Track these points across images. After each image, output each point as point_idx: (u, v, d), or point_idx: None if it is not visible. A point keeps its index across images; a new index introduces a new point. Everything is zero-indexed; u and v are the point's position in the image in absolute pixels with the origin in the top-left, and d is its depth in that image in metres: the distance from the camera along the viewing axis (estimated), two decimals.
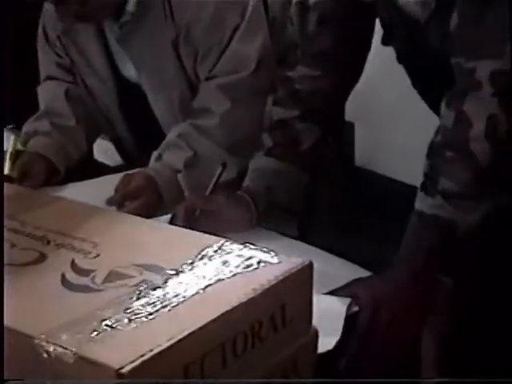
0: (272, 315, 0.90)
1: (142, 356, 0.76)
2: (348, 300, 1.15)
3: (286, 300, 0.91)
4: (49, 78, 1.83)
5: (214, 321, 0.82)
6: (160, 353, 0.77)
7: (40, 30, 1.81)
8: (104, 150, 2.06)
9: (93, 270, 0.93)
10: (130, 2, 1.61)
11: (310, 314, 0.96)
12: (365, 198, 2.34)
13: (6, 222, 1.06)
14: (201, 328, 0.81)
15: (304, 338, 0.95)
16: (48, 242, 1.01)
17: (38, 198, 1.25)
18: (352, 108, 1.63)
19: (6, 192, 1.13)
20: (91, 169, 1.80)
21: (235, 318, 0.84)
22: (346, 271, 1.26)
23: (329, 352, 1.03)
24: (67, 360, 0.77)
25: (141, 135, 1.84)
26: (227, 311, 0.83)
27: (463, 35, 1.16)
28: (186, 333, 0.80)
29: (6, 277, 0.93)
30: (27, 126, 1.75)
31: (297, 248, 1.34)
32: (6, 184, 1.23)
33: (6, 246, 1.00)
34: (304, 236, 1.45)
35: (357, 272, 1.25)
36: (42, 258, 0.98)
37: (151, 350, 0.77)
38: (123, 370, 0.74)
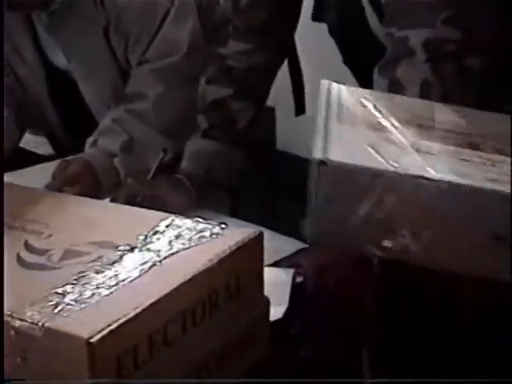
0: (227, 284, 0.93)
1: (110, 325, 0.78)
2: (292, 270, 1.18)
3: (240, 269, 0.94)
4: None
5: (175, 289, 0.84)
6: (126, 322, 0.79)
7: None
8: (27, 142, 2.05)
9: (48, 250, 0.94)
10: None
11: (262, 284, 0.99)
12: (286, 181, 2.36)
13: None
14: (163, 297, 0.83)
15: (258, 306, 0.98)
16: None
17: None
18: (272, 92, 1.65)
19: None
20: (21, 159, 1.79)
21: (194, 287, 0.87)
22: (286, 244, 1.29)
23: (280, 320, 1.06)
24: (36, 334, 0.79)
25: (72, 123, 1.84)
26: (187, 280, 0.86)
27: (395, 5, 1.19)
28: (149, 302, 0.82)
29: None
30: None
31: (236, 224, 1.36)
32: None
33: None
34: (235, 214, 1.48)
35: (296, 245, 1.28)
36: None
37: (117, 320, 0.79)
38: (92, 340, 0.76)
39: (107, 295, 0.84)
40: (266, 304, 1.00)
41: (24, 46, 1.73)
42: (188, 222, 0.99)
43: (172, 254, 0.92)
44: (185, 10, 1.65)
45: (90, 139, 1.63)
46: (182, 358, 0.87)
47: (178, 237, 0.96)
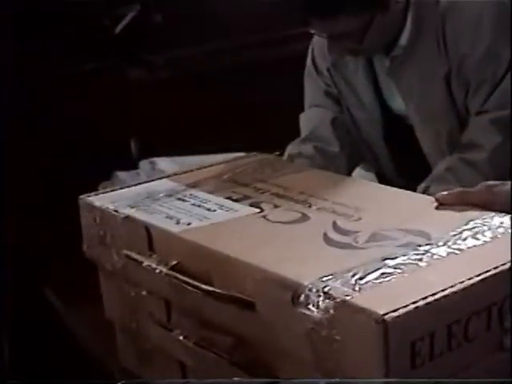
0: None
1: (406, 306, 0.74)
2: None
3: None
4: (315, 105, 1.86)
5: (483, 280, 0.79)
6: (424, 306, 0.75)
7: (309, 61, 1.84)
8: None
9: (355, 232, 0.93)
10: (403, 36, 1.61)
11: None
12: None
13: (261, 185, 1.10)
14: (469, 286, 0.78)
15: None
16: (310, 206, 1.03)
17: (285, 165, 1.30)
18: None
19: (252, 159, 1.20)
20: None
21: (504, 280, 0.81)
22: None
23: None
24: (331, 308, 0.77)
25: (403, 166, 1.83)
26: (497, 272, 0.80)
27: None
28: (452, 290, 0.77)
29: (270, 231, 0.95)
30: (292, 148, 1.78)
31: None
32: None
33: (268, 206, 1.03)
34: None
35: None
36: (305, 218, 0.99)
37: (415, 302, 0.75)
38: (387, 317, 0.73)
39: (408, 277, 0.80)
40: None
41: (363, 89, 1.74)
42: (504, 220, 0.93)
43: (481, 246, 0.87)
44: None
45: (423, 185, 1.60)
46: (483, 357, 0.81)
47: (488, 231, 0.90)
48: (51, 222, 1.86)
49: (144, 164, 1.82)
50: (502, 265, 0.81)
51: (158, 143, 2.03)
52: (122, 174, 1.76)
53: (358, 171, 1.84)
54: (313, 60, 1.83)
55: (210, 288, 0.89)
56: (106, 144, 2.05)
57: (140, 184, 1.19)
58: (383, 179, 1.83)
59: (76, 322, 1.37)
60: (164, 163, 1.79)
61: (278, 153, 1.69)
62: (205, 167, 1.24)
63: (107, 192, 1.15)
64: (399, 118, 1.75)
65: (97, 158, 1.99)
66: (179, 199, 1.09)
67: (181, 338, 0.98)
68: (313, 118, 1.83)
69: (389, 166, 1.81)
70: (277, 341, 0.85)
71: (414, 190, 1.55)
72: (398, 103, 1.73)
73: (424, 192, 1.54)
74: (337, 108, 1.80)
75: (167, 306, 1.01)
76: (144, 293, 1.04)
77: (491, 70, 1.57)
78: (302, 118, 1.84)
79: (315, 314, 0.79)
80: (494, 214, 0.95)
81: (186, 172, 1.22)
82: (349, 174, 1.80)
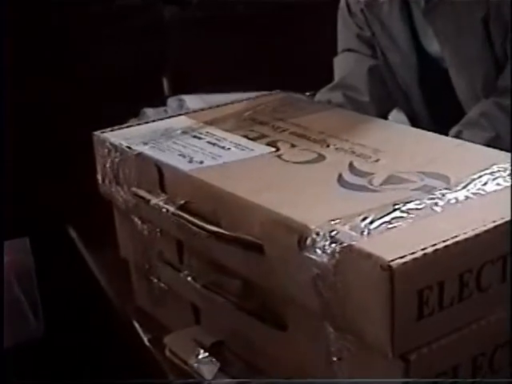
0: None
1: (415, 253, 0.70)
2: None
3: None
4: (348, 50, 1.80)
5: (497, 226, 0.75)
6: (434, 252, 0.71)
7: (342, 2, 1.78)
8: None
9: (371, 173, 0.89)
10: None
11: None
12: None
13: (281, 124, 1.06)
14: (483, 233, 0.74)
15: None
16: (328, 146, 0.99)
17: (307, 104, 1.25)
18: None
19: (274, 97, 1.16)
20: None
21: None
22: None
23: None
24: (338, 252, 0.73)
25: (437, 111, 1.76)
26: None
27: None
28: (465, 236, 0.73)
29: (283, 172, 0.92)
30: (321, 95, 1.73)
31: None
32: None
33: (285, 145, 0.99)
34: None
35: None
36: (321, 158, 0.95)
37: (425, 249, 0.71)
38: (394, 263, 0.69)
39: (420, 223, 0.76)
40: None
41: (398, 31, 1.67)
42: None
43: (501, 191, 0.82)
44: None
45: (455, 129, 1.54)
46: (496, 308, 0.77)
47: (509, 176, 0.85)
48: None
49: (172, 101, 1.79)
50: None
51: (190, 82, 2.00)
52: (149, 111, 1.73)
53: (393, 113, 1.79)
54: (346, 1, 1.77)
55: (216, 229, 0.86)
56: (138, 81, 2.02)
57: (157, 121, 1.16)
58: (416, 124, 1.78)
59: (96, 260, 1.35)
60: (192, 101, 1.75)
61: (308, 93, 1.65)
62: (225, 105, 1.21)
63: (123, 128, 1.12)
64: (435, 62, 1.69)
65: (130, 95, 1.96)
66: (195, 137, 1.06)
67: (189, 279, 0.95)
68: (344, 64, 1.77)
69: (423, 111, 1.75)
70: (284, 286, 0.82)
71: (447, 136, 1.51)
72: (434, 46, 1.66)
73: (456, 136, 1.49)
74: (370, 52, 1.75)
75: (178, 246, 0.99)
76: (156, 232, 1.01)
77: None
78: (335, 63, 1.78)
79: (321, 258, 0.75)
80: None
81: (205, 109, 1.19)
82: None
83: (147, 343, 1.06)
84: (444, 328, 0.74)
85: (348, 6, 1.74)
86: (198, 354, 0.95)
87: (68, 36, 2.02)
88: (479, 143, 1.42)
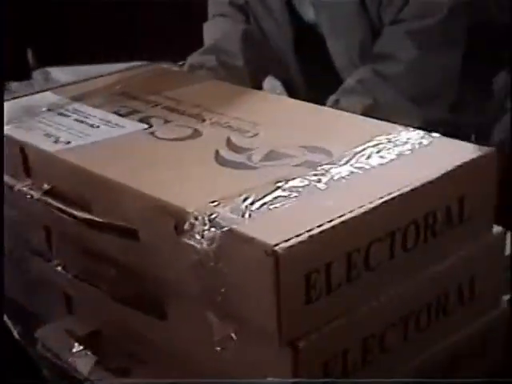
0: (448, 208, 0.78)
1: (299, 235, 0.66)
2: None
3: (465, 192, 0.79)
4: (219, 15, 1.74)
5: (384, 203, 0.71)
6: (320, 233, 0.67)
7: None
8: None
9: (250, 149, 0.84)
10: None
11: (492, 213, 0.83)
12: None
13: (154, 98, 1.01)
14: (371, 209, 0.70)
15: (485, 239, 0.83)
16: (203, 120, 0.93)
17: (183, 76, 1.19)
18: None
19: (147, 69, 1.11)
20: None
21: (409, 203, 0.73)
22: None
23: None
24: (219, 237, 0.68)
25: (314, 78, 1.73)
26: (400, 195, 0.72)
27: None
28: (352, 215, 0.69)
29: (157, 150, 0.86)
30: (193, 58, 1.66)
31: None
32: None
33: (158, 121, 0.94)
34: None
35: None
36: (197, 134, 0.90)
37: (310, 230, 0.67)
38: (278, 248, 0.65)
39: (304, 202, 0.72)
40: (498, 238, 0.84)
41: None
42: (412, 135, 0.85)
43: (386, 164, 0.79)
44: None
45: (333, 97, 1.50)
46: (385, 287, 0.74)
47: (393, 148, 0.82)
48: None
49: (37, 74, 1.69)
50: (406, 186, 0.73)
51: (56, 52, 1.91)
52: (14, 85, 1.63)
53: (268, 80, 1.75)
54: None
55: (86, 215, 0.80)
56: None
57: (21, 97, 1.08)
58: (292, 91, 1.74)
59: None
60: (59, 73, 1.66)
61: (180, 63, 1.59)
62: (94, 78, 1.14)
63: None
64: (311, 30, 1.65)
65: None
66: (61, 114, 0.99)
67: (59, 268, 0.89)
68: (217, 28, 1.71)
69: (299, 78, 1.72)
70: (163, 274, 0.77)
71: (325, 104, 1.48)
72: (309, 12, 1.63)
73: (334, 105, 1.46)
74: (242, 18, 1.70)
75: (47, 234, 0.92)
76: (24, 219, 0.94)
77: None
78: (206, 28, 1.72)
79: (201, 244, 0.70)
80: (401, 128, 0.87)
81: (72, 83, 1.11)
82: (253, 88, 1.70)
83: (17, 337, 0.99)
84: (333, 311, 0.70)
85: None
86: (72, 348, 0.89)
87: None
88: (357, 110, 1.40)
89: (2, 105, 0.99)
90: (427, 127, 0.90)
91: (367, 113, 1.39)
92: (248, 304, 0.69)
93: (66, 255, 0.89)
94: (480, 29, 1.47)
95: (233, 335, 0.72)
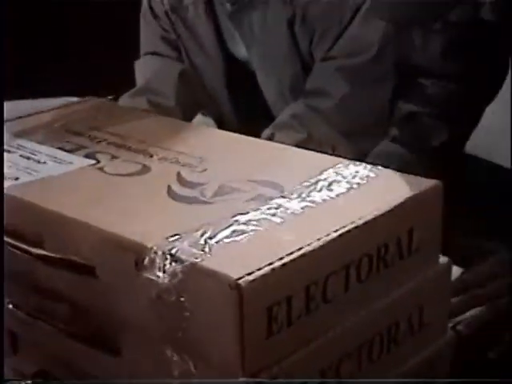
0: (398, 239, 0.80)
1: (261, 269, 0.67)
2: None
3: (414, 224, 0.81)
4: (151, 53, 1.75)
5: (339, 236, 0.73)
6: (281, 267, 0.68)
7: (145, 4, 1.73)
8: None
9: (201, 184, 0.85)
10: None
11: (439, 243, 0.86)
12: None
13: (97, 134, 1.01)
14: (327, 243, 0.72)
15: (433, 268, 0.85)
16: (151, 156, 0.94)
17: (123, 111, 1.19)
18: None
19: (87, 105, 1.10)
20: None
21: (362, 235, 0.75)
22: None
23: None
24: (180, 272, 0.69)
25: (245, 114, 1.75)
26: (355, 227, 0.74)
27: None
28: (310, 248, 0.71)
29: (108, 186, 0.86)
30: (123, 101, 1.67)
31: None
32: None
33: (105, 157, 0.94)
34: None
35: None
36: (146, 169, 0.90)
37: (271, 264, 0.68)
38: (242, 281, 0.66)
39: (262, 235, 0.73)
40: (444, 269, 0.87)
41: (204, 33, 1.64)
42: (359, 168, 0.87)
43: (337, 197, 0.81)
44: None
45: (267, 132, 1.53)
46: (341, 318, 0.76)
47: (349, 187, 0.84)
48: None
49: None
50: (359, 219, 0.75)
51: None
52: None
53: (198, 117, 1.76)
54: (149, 3, 1.72)
55: (41, 252, 0.79)
56: None
57: None
58: (224, 127, 1.76)
59: None
60: None
61: (110, 97, 1.58)
62: (33, 114, 1.13)
63: None
64: (242, 65, 1.68)
65: None
66: (5, 150, 0.97)
67: (10, 306, 0.88)
68: (148, 68, 1.73)
69: (230, 114, 1.74)
70: (120, 310, 0.77)
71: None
72: (240, 49, 1.65)
73: (269, 139, 1.48)
74: (175, 54, 1.71)
75: None
76: None
77: (337, 17, 1.51)
78: (137, 66, 1.73)
79: (161, 279, 0.71)
80: (348, 162, 0.89)
81: (12, 119, 1.10)
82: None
83: None
84: (293, 344, 0.71)
85: (151, 8, 1.70)
86: None
87: None
88: (291, 144, 1.42)
89: (2, 107, 0.98)
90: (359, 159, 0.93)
91: (302, 146, 1.42)
92: (209, 338, 0.70)
93: (16, 293, 0.88)
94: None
95: (192, 369, 0.72)
